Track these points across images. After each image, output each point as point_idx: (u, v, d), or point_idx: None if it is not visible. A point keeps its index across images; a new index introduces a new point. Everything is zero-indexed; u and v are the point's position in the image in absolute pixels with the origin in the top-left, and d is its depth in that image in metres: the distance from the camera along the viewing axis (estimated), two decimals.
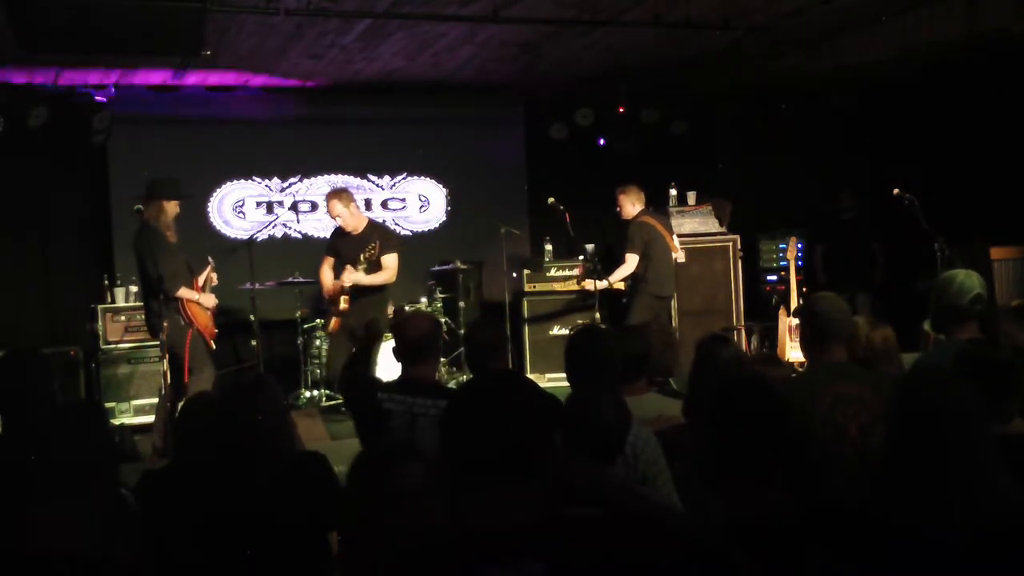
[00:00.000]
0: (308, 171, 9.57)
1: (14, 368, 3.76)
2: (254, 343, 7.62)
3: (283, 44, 7.49)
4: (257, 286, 7.21)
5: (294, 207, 9.36)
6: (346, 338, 7.15)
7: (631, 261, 7.85)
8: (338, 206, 7.23)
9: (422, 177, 9.98)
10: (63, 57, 7.10)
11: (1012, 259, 8.52)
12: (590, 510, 1.84)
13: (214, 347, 6.77)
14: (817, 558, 2.00)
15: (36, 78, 7.96)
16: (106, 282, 8.39)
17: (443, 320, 8.50)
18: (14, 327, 8.19)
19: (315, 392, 8.08)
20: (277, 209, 9.39)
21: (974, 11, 7.09)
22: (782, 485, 2.27)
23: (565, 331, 8.91)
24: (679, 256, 8.43)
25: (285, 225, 9.46)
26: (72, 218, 8.86)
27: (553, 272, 9.20)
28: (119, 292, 8.29)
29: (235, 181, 9.37)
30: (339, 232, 7.45)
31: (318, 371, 8.20)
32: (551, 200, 8.36)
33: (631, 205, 8.03)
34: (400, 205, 9.95)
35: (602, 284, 7.98)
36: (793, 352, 7.77)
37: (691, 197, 9.29)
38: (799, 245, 8.71)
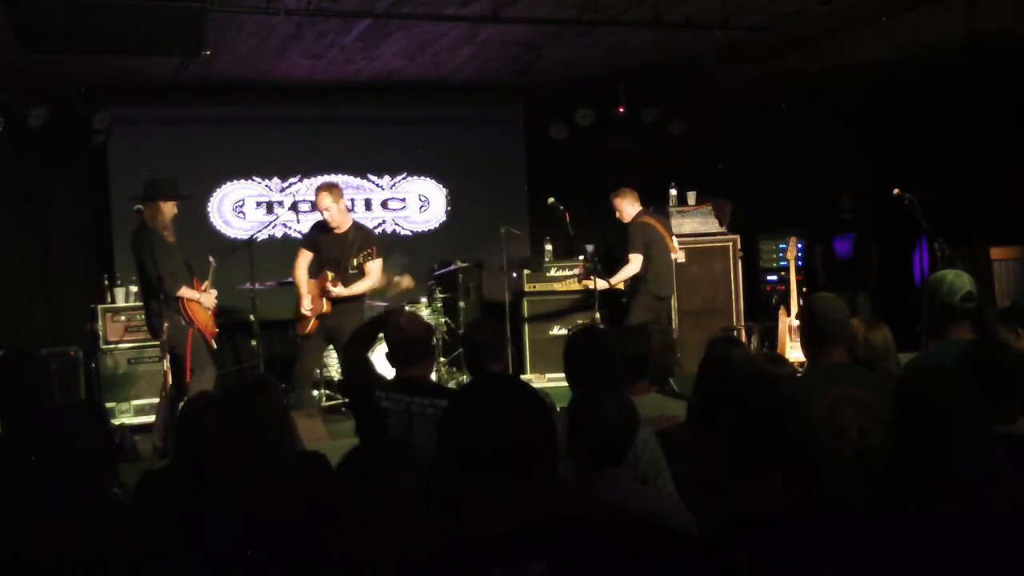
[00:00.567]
0: (308, 171, 9.57)
1: (12, 369, 3.76)
2: (254, 343, 7.62)
3: (283, 44, 7.48)
4: (257, 286, 7.21)
5: (294, 207, 9.36)
6: (322, 340, 7.00)
7: (635, 261, 7.84)
8: (327, 199, 6.97)
9: (422, 177, 9.99)
10: (63, 57, 7.10)
11: (1012, 259, 8.52)
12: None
13: (215, 347, 6.78)
14: (821, 558, 2.00)
15: (36, 78, 7.95)
16: (106, 282, 8.39)
17: (443, 320, 8.51)
18: (14, 327, 8.19)
19: (315, 392, 8.06)
20: (277, 209, 9.40)
21: (974, 11, 7.09)
22: (784, 486, 2.27)
23: (565, 331, 8.90)
24: (679, 256, 8.43)
25: (285, 225, 9.46)
26: (72, 218, 8.86)
27: (553, 272, 9.19)
28: (119, 292, 8.29)
29: (235, 181, 9.37)
30: (321, 227, 7.17)
31: (319, 371, 8.19)
32: (551, 200, 8.36)
33: (629, 207, 8.04)
34: (400, 205, 9.95)
35: (603, 284, 7.98)
36: (793, 352, 7.77)
37: (691, 197, 9.29)
38: (799, 245, 8.71)
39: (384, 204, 9.91)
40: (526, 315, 9.14)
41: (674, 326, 8.59)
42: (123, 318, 8.09)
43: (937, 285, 3.94)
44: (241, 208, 9.43)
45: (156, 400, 7.41)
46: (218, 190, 9.33)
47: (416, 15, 6.77)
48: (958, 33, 7.26)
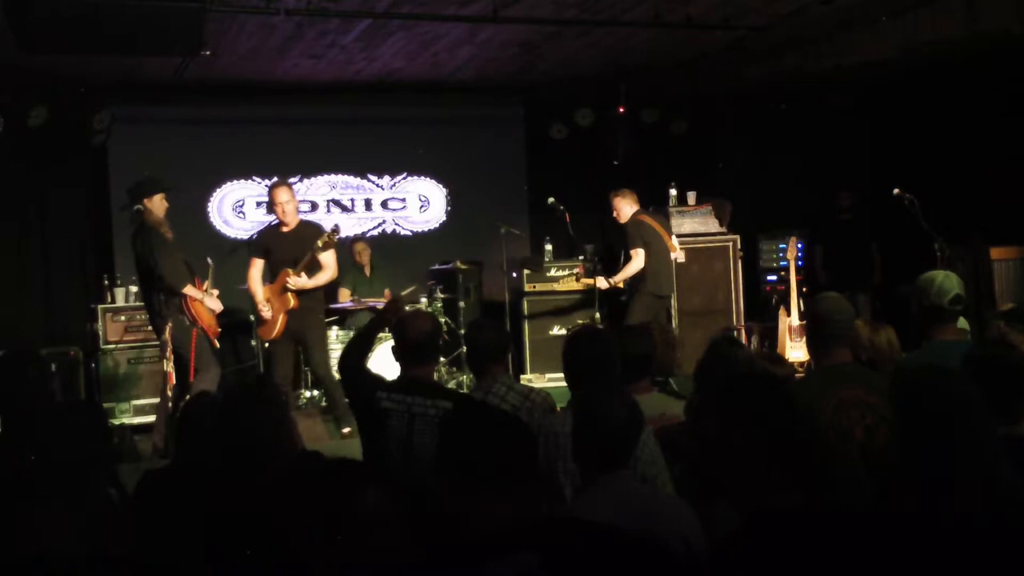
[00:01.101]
0: (308, 171, 9.57)
1: (12, 369, 3.76)
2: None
3: (283, 44, 7.48)
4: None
5: None
6: (290, 343, 6.95)
7: (638, 257, 7.83)
8: (285, 193, 6.85)
9: (422, 177, 9.99)
10: (63, 57, 7.10)
11: (1012, 259, 8.52)
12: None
13: (218, 346, 6.78)
14: (824, 558, 2.00)
15: (36, 78, 7.95)
16: (106, 282, 8.39)
17: (443, 320, 8.50)
18: (14, 327, 8.18)
19: (315, 392, 8.07)
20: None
21: (974, 11, 7.09)
22: (788, 486, 2.27)
23: (565, 331, 8.90)
24: (679, 256, 8.43)
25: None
26: (72, 218, 8.85)
27: (553, 272, 9.19)
28: (119, 292, 8.29)
29: (235, 181, 9.37)
30: (270, 230, 7.08)
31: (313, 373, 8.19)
32: (551, 200, 8.36)
33: (627, 207, 8.04)
34: (400, 205, 9.95)
35: (603, 284, 7.97)
36: (793, 352, 7.76)
37: (691, 197, 9.29)
38: (799, 245, 8.71)
39: (384, 204, 9.92)
40: (526, 315, 9.14)
41: (674, 326, 8.59)
42: (123, 318, 8.09)
43: (926, 286, 3.94)
44: (241, 208, 9.43)
45: (156, 400, 7.42)
46: (218, 190, 9.34)
47: (416, 15, 6.77)
48: (958, 33, 7.25)
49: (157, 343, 7.00)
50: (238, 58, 7.81)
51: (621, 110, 9.58)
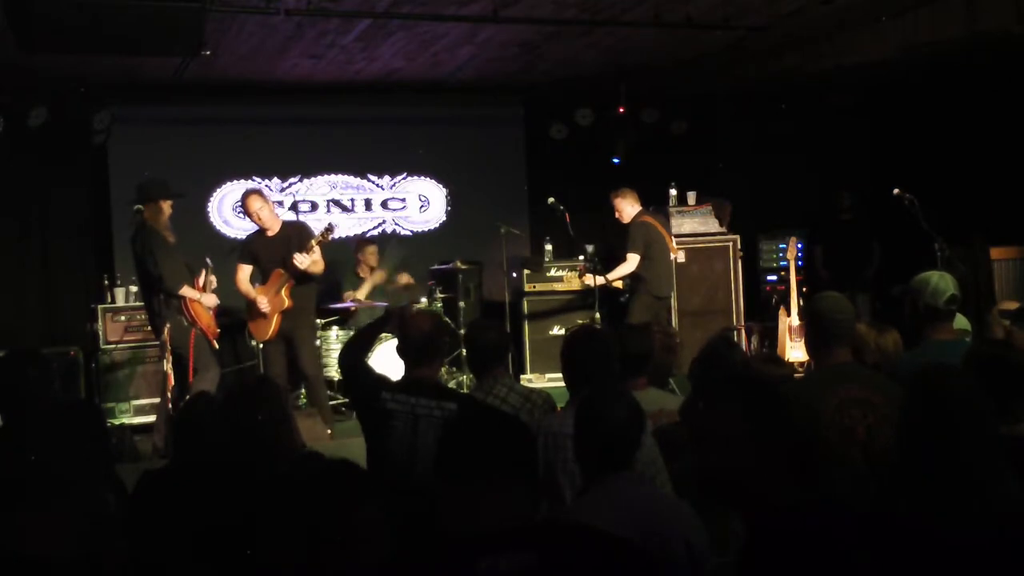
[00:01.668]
0: (308, 171, 9.58)
1: (14, 369, 3.76)
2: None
3: (283, 44, 7.48)
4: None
5: (294, 207, 9.36)
6: (280, 342, 6.93)
7: (632, 260, 7.86)
8: (257, 201, 6.84)
9: (422, 177, 9.99)
10: (63, 57, 7.10)
11: (1012, 259, 8.52)
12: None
13: (217, 346, 6.78)
14: (827, 558, 2.01)
15: (36, 78, 7.95)
16: (106, 282, 8.39)
17: (444, 320, 8.50)
18: (14, 327, 8.19)
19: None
20: (277, 209, 9.37)
21: (974, 11, 7.09)
22: (789, 486, 2.27)
23: (565, 331, 8.90)
24: (678, 256, 8.43)
25: None
26: (72, 218, 8.85)
27: (553, 272, 9.19)
28: (119, 292, 8.29)
29: (235, 181, 9.37)
30: (255, 236, 7.05)
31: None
32: (551, 200, 8.36)
33: (629, 207, 8.04)
34: (400, 205, 9.95)
35: (600, 280, 7.98)
36: (793, 352, 7.77)
37: (691, 197, 9.29)
38: (799, 245, 8.71)
39: (384, 204, 9.91)
40: (526, 315, 9.14)
41: (674, 326, 8.59)
42: (123, 318, 8.09)
43: (922, 286, 3.95)
44: (241, 208, 9.41)
45: (156, 400, 7.43)
46: (218, 190, 9.33)
47: (416, 15, 6.77)
48: (958, 33, 7.25)
49: (157, 343, 7.01)
50: (238, 58, 7.81)
51: (621, 110, 9.58)
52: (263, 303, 6.85)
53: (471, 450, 1.98)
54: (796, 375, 5.27)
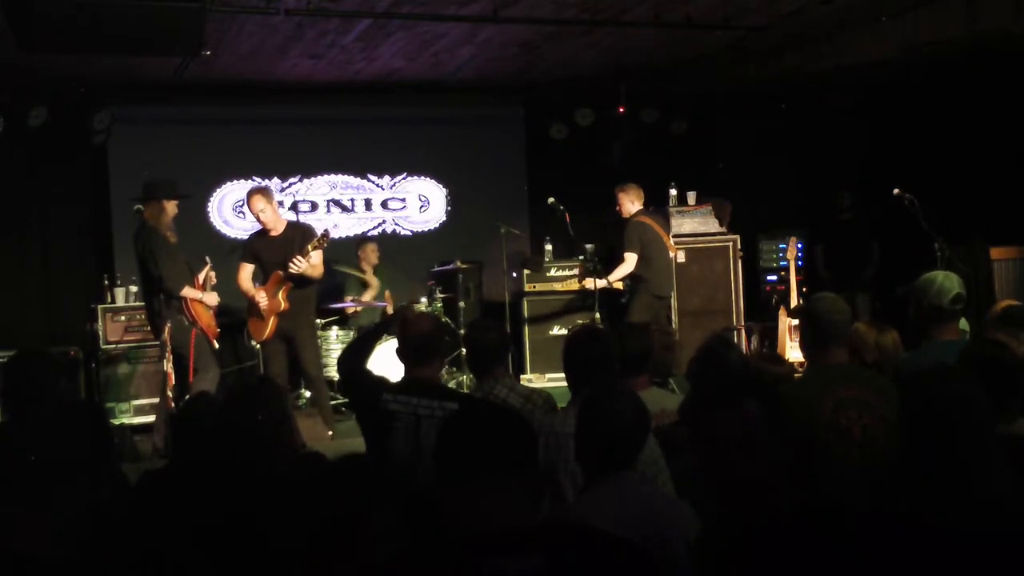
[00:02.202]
0: (308, 171, 9.58)
1: (23, 369, 3.77)
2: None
3: (283, 44, 7.48)
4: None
5: (294, 207, 9.36)
6: (282, 343, 6.93)
7: (630, 260, 7.86)
8: (261, 201, 6.81)
9: (422, 177, 9.99)
10: (63, 57, 7.10)
11: (1012, 259, 8.52)
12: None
13: (217, 347, 6.77)
14: (826, 559, 2.01)
15: (36, 78, 7.95)
16: (106, 282, 8.39)
17: (443, 320, 8.50)
18: (14, 327, 8.19)
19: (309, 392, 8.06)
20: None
21: (974, 11, 7.09)
22: (786, 487, 2.27)
23: (565, 331, 8.90)
24: (677, 256, 8.43)
25: None
26: (72, 218, 8.85)
27: (553, 272, 9.19)
28: (119, 292, 8.29)
29: (235, 181, 9.37)
30: (257, 236, 7.04)
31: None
32: (551, 200, 8.36)
33: (630, 203, 8.05)
34: (400, 205, 9.95)
35: (601, 283, 7.98)
36: (793, 352, 7.77)
37: (691, 197, 9.29)
38: (799, 245, 8.70)
39: (384, 204, 9.92)
40: (526, 315, 9.14)
41: (674, 326, 8.59)
42: (123, 318, 8.09)
43: (926, 286, 3.94)
44: (241, 208, 9.41)
45: (156, 400, 7.43)
46: (218, 190, 9.34)
47: (416, 15, 6.77)
48: (958, 33, 7.25)
49: (157, 343, 7.01)
50: (238, 58, 7.81)
51: (621, 110, 9.58)
52: (262, 300, 6.86)
53: (471, 447, 1.96)
54: (795, 375, 5.26)
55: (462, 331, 8.07)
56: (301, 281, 6.83)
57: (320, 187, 9.68)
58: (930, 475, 2.42)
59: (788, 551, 2.05)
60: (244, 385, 3.42)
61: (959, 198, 8.45)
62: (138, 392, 7.99)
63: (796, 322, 7.88)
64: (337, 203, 9.75)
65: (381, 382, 3.90)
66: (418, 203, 10.01)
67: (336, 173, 9.69)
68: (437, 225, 10.05)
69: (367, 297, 8.79)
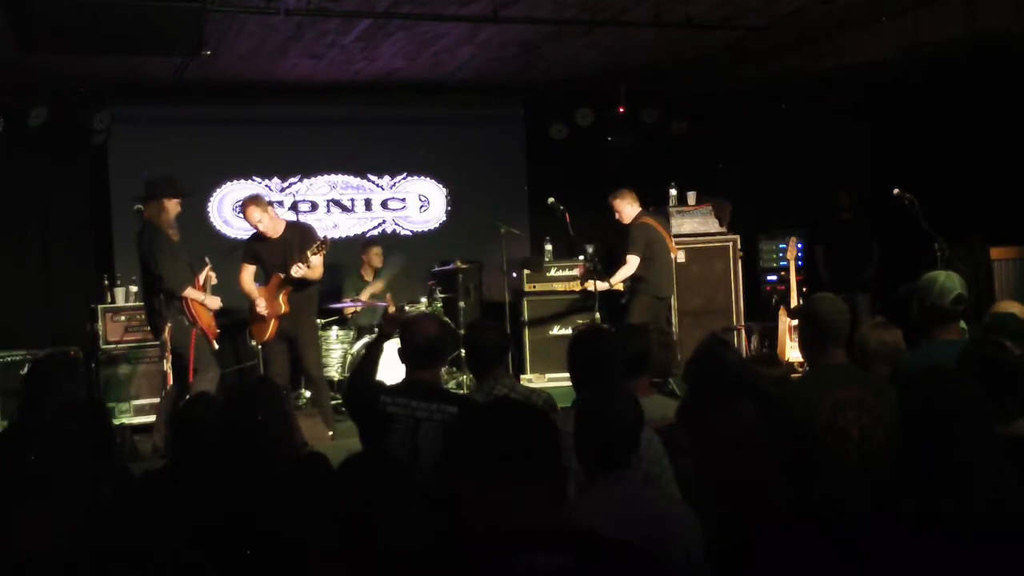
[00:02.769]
0: (308, 171, 9.58)
1: (46, 373, 3.79)
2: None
3: (283, 44, 7.48)
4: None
5: (294, 207, 9.36)
6: (283, 344, 6.95)
7: (632, 262, 7.85)
8: (256, 212, 6.84)
9: (422, 177, 9.99)
10: (63, 57, 7.10)
11: (1012, 259, 8.52)
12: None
13: (217, 347, 6.77)
14: (823, 559, 2.01)
15: (36, 78, 7.95)
16: (106, 282, 8.39)
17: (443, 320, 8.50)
18: (14, 327, 8.19)
19: (309, 392, 8.06)
20: (277, 209, 9.37)
21: (974, 11, 7.09)
22: (785, 488, 2.27)
23: (565, 331, 8.90)
24: (678, 256, 8.43)
25: None
26: (72, 218, 8.85)
27: (553, 272, 9.18)
28: (119, 292, 8.29)
29: (235, 181, 9.37)
30: (257, 238, 7.06)
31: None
32: (551, 200, 8.36)
33: (629, 207, 8.05)
34: (400, 205, 9.95)
35: (603, 285, 7.98)
36: (793, 352, 7.77)
37: (691, 197, 9.29)
38: (799, 245, 8.70)
39: (384, 204, 9.91)
40: (526, 315, 9.13)
41: (674, 326, 8.59)
42: (123, 318, 8.09)
43: (928, 286, 3.94)
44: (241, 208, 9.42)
45: (156, 400, 7.43)
46: (218, 190, 9.33)
47: (416, 15, 6.77)
48: (958, 33, 7.25)
49: (157, 343, 7.01)
50: (238, 58, 7.81)
51: (621, 110, 9.58)
52: (260, 304, 6.86)
53: (497, 441, 1.95)
54: (794, 375, 5.26)
55: (462, 331, 8.07)
56: (301, 282, 6.85)
57: (320, 187, 9.68)
58: (929, 475, 2.42)
59: (787, 552, 2.05)
60: (244, 385, 3.43)
61: (959, 198, 8.44)
62: (138, 392, 7.99)
63: (796, 322, 7.89)
64: (337, 203, 9.75)
65: (379, 384, 3.90)
66: (418, 203, 10.01)
67: (336, 173, 9.69)
68: (437, 225, 10.04)
69: (366, 296, 8.78)
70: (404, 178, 9.95)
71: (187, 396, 5.94)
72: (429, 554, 1.96)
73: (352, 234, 9.67)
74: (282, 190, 9.50)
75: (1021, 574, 2.27)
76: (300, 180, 9.57)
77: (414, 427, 3.62)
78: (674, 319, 8.74)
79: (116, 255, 8.70)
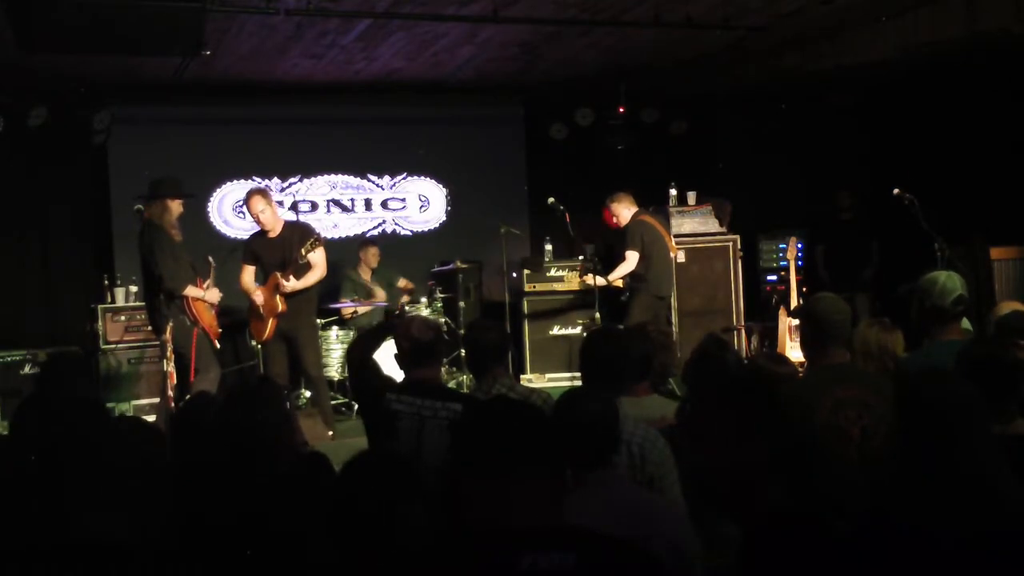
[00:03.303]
0: (308, 171, 9.58)
1: (60, 372, 3.80)
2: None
3: (283, 44, 7.48)
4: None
5: (294, 207, 9.36)
6: (282, 343, 6.94)
7: (631, 259, 7.85)
8: (260, 202, 6.86)
9: (422, 177, 9.99)
10: (63, 57, 7.10)
11: (1012, 259, 8.52)
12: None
13: (218, 347, 6.77)
14: (823, 559, 2.01)
15: (36, 78, 7.95)
16: (106, 282, 8.39)
17: (443, 320, 8.50)
18: (14, 327, 8.19)
19: (308, 392, 8.06)
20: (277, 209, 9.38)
21: (974, 11, 7.09)
22: (785, 488, 2.27)
23: (565, 331, 8.90)
24: (678, 256, 8.42)
25: None
26: (72, 218, 8.86)
27: (553, 272, 9.19)
28: (119, 292, 8.29)
29: (235, 181, 9.37)
30: (256, 237, 7.07)
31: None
32: (551, 200, 8.36)
33: (625, 210, 8.05)
34: (400, 205, 9.95)
35: (601, 281, 7.99)
36: (793, 352, 7.76)
37: (691, 197, 9.29)
38: (799, 245, 8.70)
39: (384, 204, 9.92)
40: (526, 315, 9.14)
41: (674, 326, 8.59)
42: (123, 318, 8.10)
43: (929, 286, 3.94)
44: (241, 208, 9.40)
45: (156, 400, 7.43)
46: (218, 190, 9.34)
47: (416, 15, 6.78)
48: (958, 33, 7.25)
49: (157, 343, 7.01)
50: (238, 58, 7.81)
51: (621, 110, 9.58)
52: (259, 300, 6.88)
53: (498, 440, 1.96)
54: (798, 374, 5.26)
55: (462, 331, 8.07)
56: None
57: (320, 187, 9.68)
58: (928, 475, 2.42)
59: (786, 551, 2.05)
60: (244, 385, 3.43)
61: (959, 198, 8.44)
62: (138, 392, 8.00)
63: (796, 322, 7.89)
64: (337, 203, 9.75)
65: (386, 381, 3.91)
66: (418, 203, 10.01)
67: (336, 173, 9.70)
68: (437, 225, 10.05)
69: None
70: (404, 178, 9.95)
71: (187, 396, 5.93)
72: (431, 553, 1.96)
73: (352, 234, 9.67)
74: (282, 190, 9.50)
75: (1021, 574, 2.27)
76: (300, 180, 9.57)
77: (419, 425, 3.63)
78: (674, 319, 8.74)
79: (116, 255, 8.70)
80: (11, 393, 7.29)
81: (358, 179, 9.79)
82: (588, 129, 9.97)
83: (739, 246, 9.08)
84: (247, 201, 6.99)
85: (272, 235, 6.93)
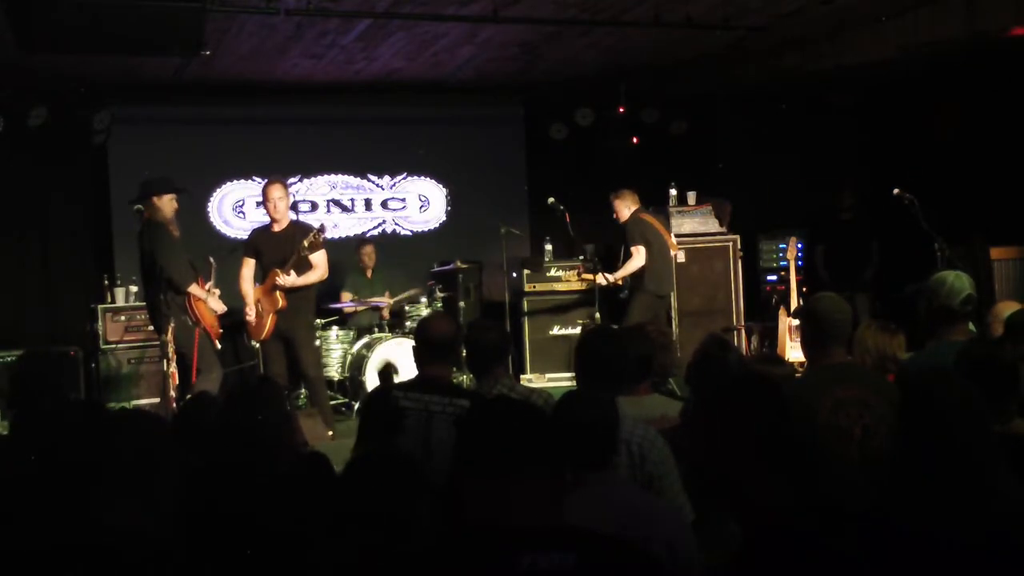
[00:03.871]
0: (308, 171, 9.58)
1: (32, 368, 3.80)
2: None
3: (283, 44, 7.49)
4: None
5: (294, 207, 9.34)
6: (279, 341, 6.91)
7: (639, 255, 7.84)
8: (279, 190, 6.81)
9: (422, 177, 9.99)
10: (63, 57, 7.10)
11: (1012, 259, 8.51)
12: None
13: (219, 347, 6.77)
14: (822, 559, 2.01)
15: (36, 78, 7.95)
16: (106, 282, 8.39)
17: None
18: (14, 327, 8.19)
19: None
20: None
21: (974, 11, 7.10)
22: (785, 488, 2.27)
23: (565, 331, 8.90)
24: (678, 255, 8.42)
25: None
26: (72, 218, 8.86)
27: (553, 272, 9.19)
28: (119, 292, 8.29)
29: (235, 181, 9.38)
30: (260, 232, 7.06)
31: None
32: (551, 200, 8.36)
33: (626, 207, 8.05)
34: (400, 205, 9.95)
35: (609, 278, 7.99)
36: (793, 352, 7.77)
37: (691, 197, 9.29)
38: (799, 245, 8.70)
39: (384, 204, 9.92)
40: (526, 315, 9.13)
41: (674, 326, 8.59)
42: (123, 318, 8.10)
43: (938, 287, 3.95)
44: (241, 208, 9.43)
45: (156, 400, 7.42)
46: (218, 190, 9.34)
47: (416, 15, 6.78)
48: (958, 33, 7.26)
49: (157, 343, 7.00)
50: (238, 58, 7.81)
51: (621, 110, 9.58)
52: (250, 312, 6.87)
53: (497, 440, 1.96)
54: (795, 375, 5.26)
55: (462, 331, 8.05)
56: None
57: (320, 187, 9.68)
58: (928, 475, 2.42)
59: (787, 552, 2.05)
60: (244, 385, 3.43)
61: (959, 198, 8.44)
62: (138, 392, 8.00)
63: (796, 322, 7.89)
64: (337, 203, 9.76)
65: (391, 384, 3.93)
66: (418, 203, 10.01)
67: (336, 173, 9.70)
68: (437, 225, 10.05)
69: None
70: (404, 178, 9.95)
71: (188, 396, 5.93)
72: (432, 552, 1.96)
73: (352, 234, 9.67)
74: None
75: (1021, 574, 2.27)
76: (300, 180, 9.57)
77: (427, 421, 3.64)
78: (674, 319, 8.74)
79: (116, 255, 8.70)
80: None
81: (358, 179, 9.79)
82: (588, 129, 9.97)
83: (739, 246, 9.08)
84: (266, 187, 6.91)
85: (277, 229, 6.89)
